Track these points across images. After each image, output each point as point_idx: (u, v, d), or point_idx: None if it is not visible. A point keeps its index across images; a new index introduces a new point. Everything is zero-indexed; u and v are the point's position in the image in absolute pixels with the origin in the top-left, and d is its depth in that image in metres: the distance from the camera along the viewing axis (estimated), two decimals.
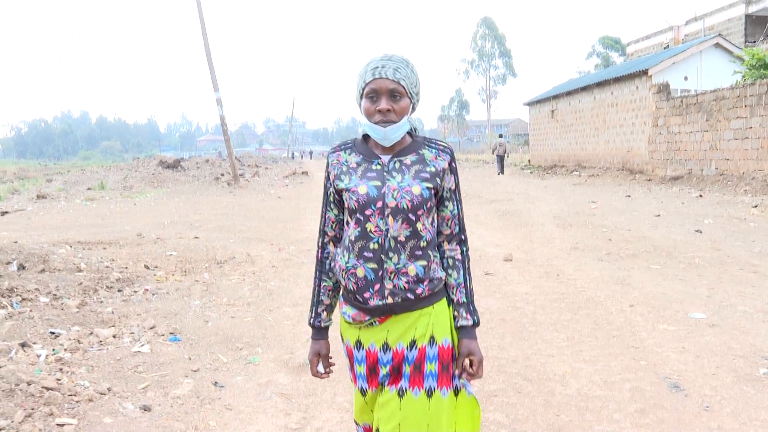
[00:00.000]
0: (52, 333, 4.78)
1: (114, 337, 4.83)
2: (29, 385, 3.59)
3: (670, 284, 6.25)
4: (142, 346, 4.62)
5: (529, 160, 32.60)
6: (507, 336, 4.75)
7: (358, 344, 1.95)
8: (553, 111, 28.80)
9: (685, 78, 20.71)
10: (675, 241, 8.55)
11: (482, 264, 7.39)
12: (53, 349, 4.45)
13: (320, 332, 2.07)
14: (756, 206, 11.69)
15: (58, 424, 3.28)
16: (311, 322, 2.07)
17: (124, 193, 21.22)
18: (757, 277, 6.46)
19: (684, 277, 6.56)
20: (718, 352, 4.30)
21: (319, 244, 2.07)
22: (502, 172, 27.33)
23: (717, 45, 20.88)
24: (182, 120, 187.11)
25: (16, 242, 8.20)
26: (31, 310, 5.24)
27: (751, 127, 14.85)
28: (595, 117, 24.34)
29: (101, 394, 3.76)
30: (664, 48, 30.24)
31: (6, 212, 15.19)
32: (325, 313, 2.06)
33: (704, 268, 6.98)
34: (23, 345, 4.42)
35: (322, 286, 2.05)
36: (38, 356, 4.31)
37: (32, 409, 3.34)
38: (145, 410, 3.57)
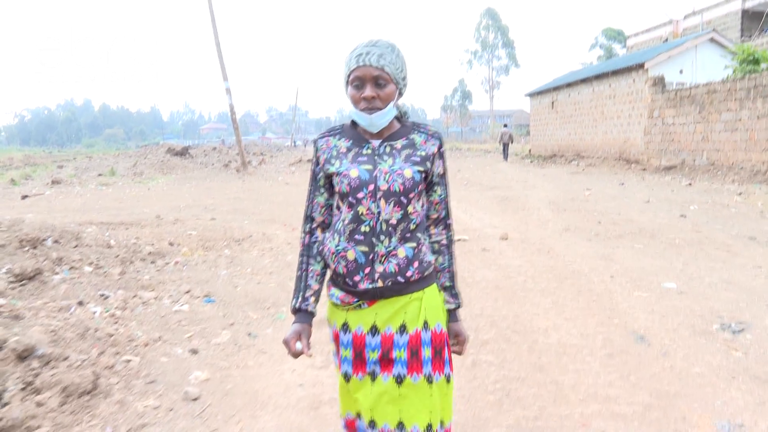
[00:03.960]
0: (102, 295, 5.46)
1: (155, 299, 5.51)
2: (96, 331, 4.28)
3: (650, 260, 6.92)
4: (181, 306, 5.31)
5: (530, 150, 33.22)
6: (500, 300, 5.43)
7: (345, 327, 1.92)
8: (553, 102, 29.39)
9: (681, 71, 21.32)
10: (660, 224, 9.22)
11: (480, 242, 8.07)
12: (105, 308, 5.13)
13: (305, 316, 1.97)
14: (740, 194, 12.35)
15: (125, 360, 3.96)
16: (296, 305, 1.97)
17: (135, 179, 21.90)
18: (729, 255, 7.12)
19: (663, 255, 7.22)
20: (681, 313, 4.98)
21: (306, 230, 2.02)
22: (506, 158, 28.63)
23: (712, 40, 21.47)
24: (185, 108, 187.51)
25: (44, 222, 8.88)
26: (79, 277, 5.92)
27: (740, 120, 15.48)
28: (594, 108, 24.95)
29: (154, 341, 4.45)
30: (663, 41, 30.79)
31: (26, 196, 15.88)
32: (312, 298, 1.98)
33: (683, 247, 7.64)
34: (80, 303, 5.10)
35: (309, 270, 1.99)
36: (93, 313, 4.99)
37: (103, 348, 4.02)
38: (193, 353, 4.26)
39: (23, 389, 3.24)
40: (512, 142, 31.30)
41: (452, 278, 2.03)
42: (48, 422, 3.06)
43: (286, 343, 1.91)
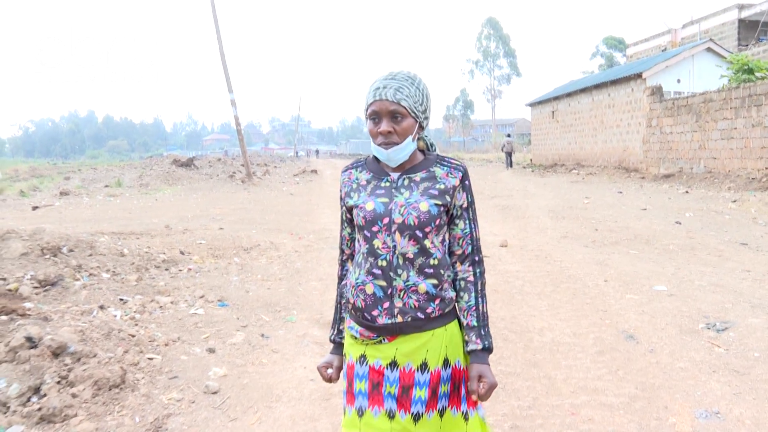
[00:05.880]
0: (121, 299, 5.77)
1: (172, 303, 5.81)
2: (119, 332, 4.58)
3: (643, 265, 7.20)
4: (197, 309, 5.61)
5: (531, 159, 33.56)
6: (498, 302, 5.72)
7: (362, 359, 1.88)
8: (553, 112, 29.75)
9: (678, 81, 21.66)
10: (655, 231, 9.51)
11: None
12: (125, 311, 5.43)
13: (337, 348, 2.07)
14: (735, 201, 12.63)
15: (148, 358, 4.26)
16: (332, 338, 2.09)
17: (142, 190, 22.24)
18: (720, 260, 7.41)
19: (656, 260, 7.50)
20: (669, 313, 5.26)
21: (339, 262, 2.09)
22: (509, 166, 29.97)
23: (708, 49, 21.82)
24: (188, 119, 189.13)
25: (59, 231, 9.20)
26: (98, 283, 6.23)
27: (735, 128, 15.80)
28: (594, 118, 25.28)
29: (173, 341, 4.74)
30: (662, 50, 31.18)
31: (37, 207, 16.23)
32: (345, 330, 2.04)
33: (676, 253, 7.92)
34: (101, 307, 5.40)
35: (342, 303, 2.05)
36: (114, 316, 5.29)
37: (127, 347, 4.32)
38: (210, 352, 4.55)
39: (59, 382, 3.54)
40: (514, 152, 31.91)
41: (480, 318, 1.89)
42: (83, 411, 3.36)
43: (318, 369, 2.06)
